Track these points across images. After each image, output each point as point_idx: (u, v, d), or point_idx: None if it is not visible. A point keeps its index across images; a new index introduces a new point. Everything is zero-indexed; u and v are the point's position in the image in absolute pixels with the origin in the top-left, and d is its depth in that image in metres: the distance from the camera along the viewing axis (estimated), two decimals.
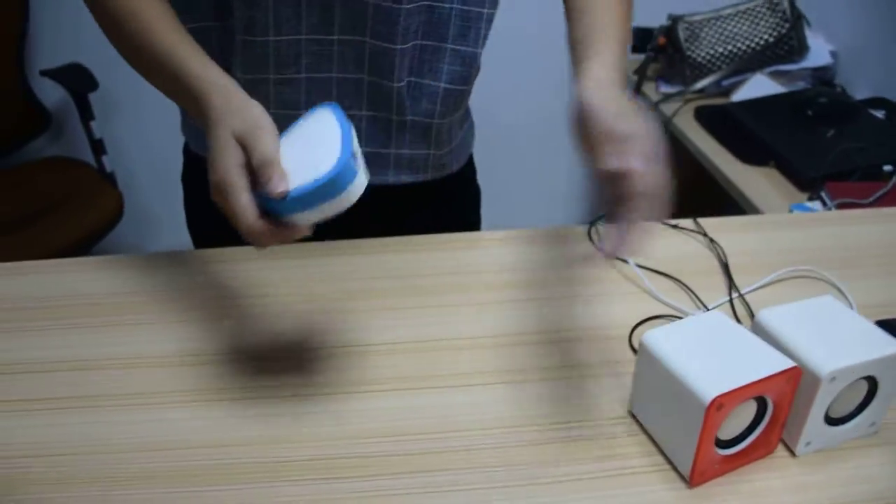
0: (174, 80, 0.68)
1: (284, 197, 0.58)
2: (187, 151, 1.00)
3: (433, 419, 0.68)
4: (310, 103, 0.86)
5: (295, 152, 0.61)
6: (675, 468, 0.64)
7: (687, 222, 1.00)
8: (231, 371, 0.73)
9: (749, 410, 0.62)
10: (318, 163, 0.58)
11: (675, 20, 1.99)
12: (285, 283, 0.85)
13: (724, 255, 0.92)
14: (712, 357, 0.62)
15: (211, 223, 0.99)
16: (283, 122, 0.84)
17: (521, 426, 0.67)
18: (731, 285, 0.87)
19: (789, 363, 0.60)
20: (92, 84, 2.11)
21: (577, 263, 0.91)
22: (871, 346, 0.62)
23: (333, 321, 0.80)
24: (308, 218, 0.59)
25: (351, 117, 0.87)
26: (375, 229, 0.94)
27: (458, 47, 0.85)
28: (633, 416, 0.69)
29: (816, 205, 1.46)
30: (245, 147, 0.61)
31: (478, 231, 1.05)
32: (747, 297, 0.85)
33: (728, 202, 1.63)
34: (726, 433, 0.62)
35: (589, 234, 0.97)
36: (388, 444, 0.65)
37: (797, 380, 0.61)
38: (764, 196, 1.52)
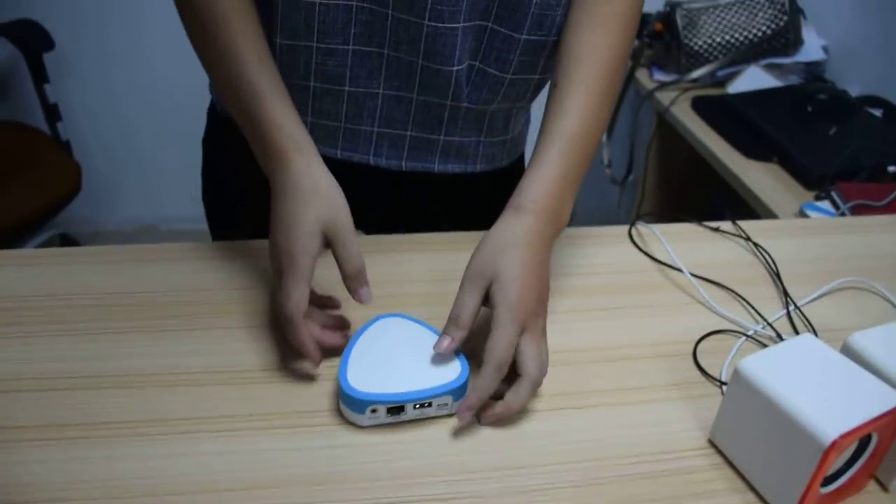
0: (251, 112, 0.66)
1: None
2: (212, 111, 0.91)
3: (485, 453, 0.60)
4: (354, 79, 0.76)
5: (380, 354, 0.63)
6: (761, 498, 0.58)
7: (727, 225, 0.93)
8: (261, 393, 0.64)
9: (852, 448, 0.56)
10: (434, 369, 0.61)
11: (673, 7, 1.93)
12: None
13: (774, 263, 0.86)
14: (820, 390, 0.56)
15: (230, 192, 0.90)
16: (325, 98, 0.75)
17: (593, 460, 0.60)
18: (787, 297, 0.81)
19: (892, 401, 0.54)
20: (47, 43, 1.94)
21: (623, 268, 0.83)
22: None
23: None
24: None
25: (399, 99, 0.78)
26: (414, 220, 0.86)
27: (532, 37, 0.75)
28: (714, 446, 0.62)
29: (826, 204, 1.42)
30: (333, 245, 0.63)
31: None
32: (806, 312, 0.79)
33: (731, 195, 1.58)
34: (831, 469, 0.56)
35: (630, 234, 0.90)
36: (435, 485, 0.57)
37: None
38: (770, 193, 1.48)
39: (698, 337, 0.73)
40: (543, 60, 0.79)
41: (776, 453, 0.56)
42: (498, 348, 0.58)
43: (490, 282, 0.61)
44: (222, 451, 0.57)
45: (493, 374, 0.58)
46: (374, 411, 0.59)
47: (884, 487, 0.60)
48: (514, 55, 0.76)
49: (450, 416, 0.62)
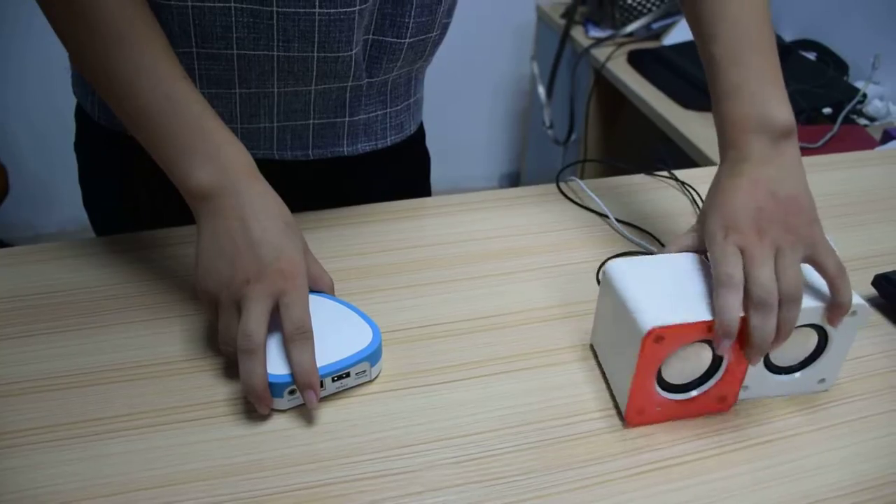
0: (188, 129, 0.58)
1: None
2: (81, 115, 0.83)
3: (413, 426, 0.58)
4: (244, 82, 0.71)
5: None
6: (617, 407, 0.59)
7: (662, 177, 0.92)
8: (185, 384, 0.60)
9: (704, 355, 0.56)
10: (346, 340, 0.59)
11: None
12: None
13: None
14: (670, 293, 0.56)
15: (111, 197, 0.85)
16: (214, 101, 0.70)
17: (525, 424, 0.58)
18: None
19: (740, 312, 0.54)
20: None
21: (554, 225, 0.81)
22: (822, 294, 0.56)
23: None
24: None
25: (296, 94, 0.74)
26: (330, 206, 0.82)
27: None
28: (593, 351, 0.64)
29: None
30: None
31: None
32: None
33: (673, 148, 1.57)
34: (676, 376, 0.56)
35: (559, 187, 0.88)
36: (379, 462, 0.55)
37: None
38: (709, 142, 1.47)
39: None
40: (440, 17, 0.75)
41: (620, 349, 0.57)
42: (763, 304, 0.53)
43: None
44: (138, 449, 0.54)
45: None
46: (292, 392, 0.56)
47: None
48: (410, 18, 0.72)
49: (372, 392, 0.59)
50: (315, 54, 0.69)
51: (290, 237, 0.59)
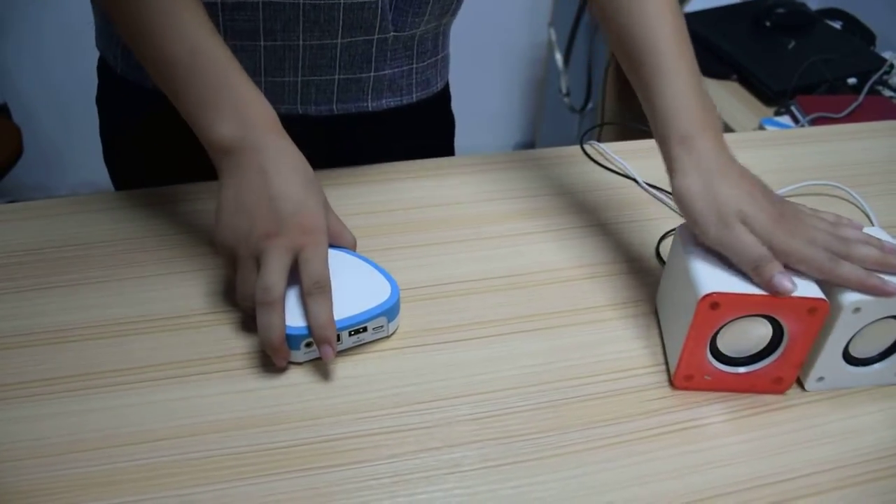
0: (216, 83, 0.58)
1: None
2: (104, 69, 0.82)
3: (432, 383, 0.57)
4: (269, 33, 0.70)
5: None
6: (668, 369, 0.58)
7: None
8: (203, 338, 0.60)
9: (762, 332, 0.54)
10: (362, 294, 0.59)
11: None
12: None
13: None
14: (732, 265, 0.55)
15: (134, 151, 0.84)
16: (239, 54, 0.69)
17: (545, 383, 0.57)
18: None
19: (817, 293, 0.52)
20: None
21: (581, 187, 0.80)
22: None
23: None
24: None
25: (322, 47, 0.72)
26: (352, 162, 0.81)
27: None
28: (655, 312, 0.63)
29: (786, 119, 1.39)
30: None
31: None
32: None
33: None
34: (731, 348, 0.55)
35: (583, 149, 0.86)
36: (404, 416, 0.54)
37: (822, 315, 0.52)
38: (730, 111, 1.45)
39: (658, 252, 0.71)
40: None
41: (678, 312, 0.56)
42: (815, 259, 0.53)
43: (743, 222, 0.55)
44: (157, 401, 0.54)
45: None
46: (308, 345, 0.56)
47: (801, 386, 0.58)
48: None
49: (391, 349, 0.59)
50: (341, 1, 0.68)
51: (312, 192, 0.58)
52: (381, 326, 0.59)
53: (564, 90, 2.08)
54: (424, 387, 0.56)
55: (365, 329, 0.58)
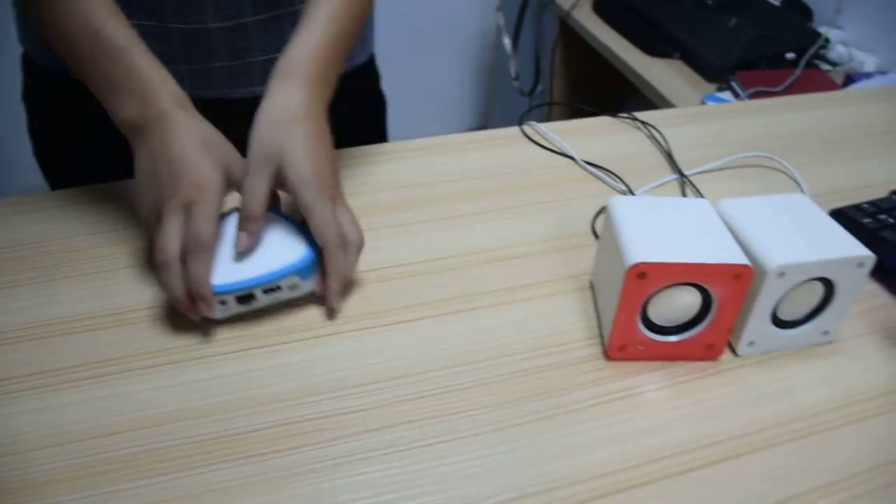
0: (115, 67, 0.59)
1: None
2: (28, 65, 0.81)
3: (369, 365, 0.57)
4: (181, 16, 0.69)
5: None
6: (603, 342, 0.59)
7: (623, 118, 0.91)
8: (145, 332, 0.59)
9: (691, 301, 0.55)
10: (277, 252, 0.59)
11: None
12: None
13: (667, 144, 0.85)
14: (664, 231, 0.56)
15: (62, 143, 0.82)
16: (151, 38, 0.68)
17: (480, 361, 0.58)
18: (679, 171, 0.80)
19: (741, 259, 0.53)
20: None
21: (520, 168, 0.81)
22: (831, 245, 0.56)
23: None
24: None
25: (236, 27, 0.72)
26: None
27: None
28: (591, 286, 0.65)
29: (727, 95, 1.42)
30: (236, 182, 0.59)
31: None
32: (702, 189, 0.78)
33: (637, 96, 1.56)
34: (662, 317, 0.56)
35: (522, 130, 0.87)
36: (343, 399, 0.54)
37: (747, 280, 0.53)
38: (673, 88, 1.47)
39: (593, 228, 0.72)
40: None
41: (610, 284, 0.57)
42: (328, 227, 0.57)
43: (278, 163, 0.58)
44: (100, 397, 0.53)
45: (340, 252, 0.58)
46: (223, 303, 0.57)
47: (733, 351, 0.59)
48: None
49: (329, 333, 0.59)
50: None
51: (208, 153, 0.58)
52: (296, 285, 0.59)
53: (514, 74, 2.09)
54: (363, 370, 0.56)
55: (279, 288, 0.58)
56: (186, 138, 0.57)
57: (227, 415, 0.53)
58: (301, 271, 0.59)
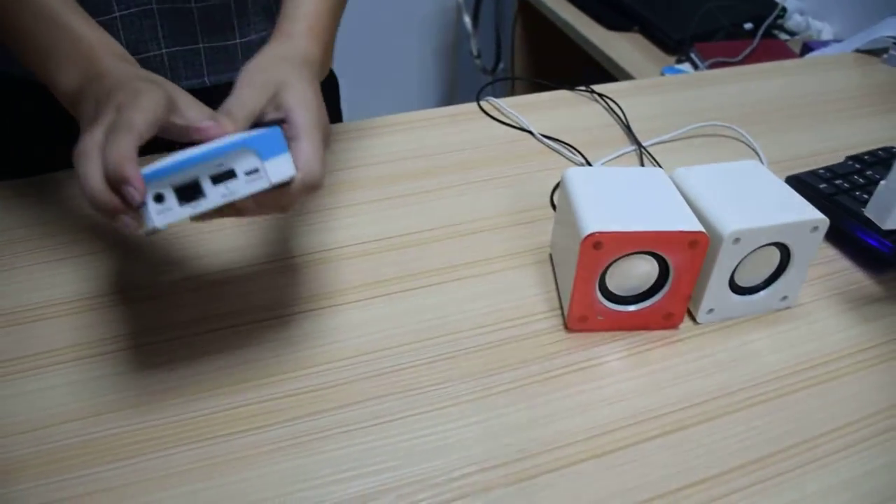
0: (50, 27, 0.52)
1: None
2: None
3: (328, 345, 0.56)
4: (120, 1, 0.66)
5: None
6: (563, 313, 0.59)
7: (580, 91, 0.91)
8: (123, 315, 0.58)
9: (648, 269, 0.55)
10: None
11: None
12: None
13: (625, 117, 0.85)
14: (619, 201, 0.56)
15: (7, 147, 0.79)
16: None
17: (440, 335, 0.57)
18: (636, 140, 0.80)
19: (696, 226, 0.53)
20: None
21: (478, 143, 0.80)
22: (785, 210, 0.56)
23: (224, 238, 0.65)
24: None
25: (176, 12, 0.69)
26: None
27: None
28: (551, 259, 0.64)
29: (686, 66, 1.42)
30: (176, 104, 0.47)
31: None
32: (660, 160, 0.78)
33: (597, 70, 1.56)
34: (620, 287, 0.56)
35: (479, 106, 0.86)
36: (302, 379, 0.53)
37: (703, 247, 0.53)
38: (633, 61, 1.46)
39: (552, 201, 0.71)
40: None
41: (567, 255, 0.57)
42: (314, 164, 0.47)
43: (277, 88, 0.50)
44: (54, 385, 0.52)
45: (307, 193, 0.48)
46: (160, 199, 0.42)
47: (693, 319, 0.59)
48: None
49: (282, 315, 0.58)
50: None
51: (150, 80, 0.49)
52: (256, 170, 0.45)
53: (475, 52, 2.07)
54: (318, 349, 0.55)
55: (232, 173, 0.44)
56: (126, 77, 0.49)
57: (175, 400, 0.51)
58: (260, 146, 0.45)
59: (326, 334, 0.57)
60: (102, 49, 0.52)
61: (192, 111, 0.47)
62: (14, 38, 0.55)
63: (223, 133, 0.46)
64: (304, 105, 0.49)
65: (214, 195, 0.44)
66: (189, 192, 0.43)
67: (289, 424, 0.50)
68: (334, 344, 0.56)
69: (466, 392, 0.52)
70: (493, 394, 0.52)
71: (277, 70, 0.51)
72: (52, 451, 0.48)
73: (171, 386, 0.52)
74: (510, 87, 2.00)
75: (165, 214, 0.42)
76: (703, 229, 0.53)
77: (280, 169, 0.46)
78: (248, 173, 0.44)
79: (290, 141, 0.47)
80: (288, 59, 0.53)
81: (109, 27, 0.68)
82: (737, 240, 0.54)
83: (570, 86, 0.91)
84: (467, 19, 2.12)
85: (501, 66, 2.05)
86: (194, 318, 0.57)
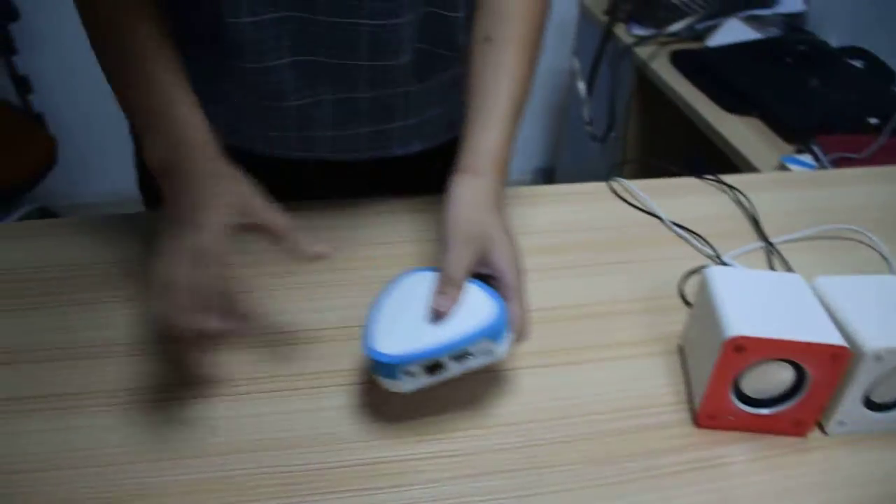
0: (158, 111, 0.60)
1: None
2: None
3: (466, 413, 0.59)
4: (296, 91, 0.72)
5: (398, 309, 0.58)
6: (692, 407, 0.60)
7: (708, 180, 0.92)
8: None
9: (784, 376, 0.56)
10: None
11: None
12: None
13: (754, 208, 0.86)
14: (763, 307, 0.57)
15: None
16: (269, 112, 0.72)
17: (568, 417, 0.59)
18: (765, 239, 0.81)
19: (838, 340, 0.54)
20: (11, 14, 1.89)
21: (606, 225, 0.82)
22: None
23: (331, 296, 0.70)
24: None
25: (348, 101, 0.74)
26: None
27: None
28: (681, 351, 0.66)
29: (806, 157, 1.41)
30: (254, 216, 0.57)
31: None
32: (788, 259, 0.78)
33: (712, 151, 1.57)
34: (754, 390, 0.57)
35: (610, 186, 0.89)
36: (422, 443, 0.57)
37: (844, 361, 0.54)
38: (750, 147, 1.47)
39: (681, 291, 0.73)
40: None
41: (704, 352, 0.58)
42: (524, 318, 0.56)
43: (484, 245, 0.57)
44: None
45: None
46: (410, 374, 0.54)
47: (822, 430, 0.60)
48: (460, 34, 0.72)
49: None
50: (364, 62, 0.70)
51: (215, 203, 0.56)
52: (489, 351, 0.54)
53: (587, 118, 2.11)
54: (461, 416, 0.59)
55: (470, 354, 0.54)
56: (201, 179, 0.57)
57: (319, 448, 0.55)
58: (494, 334, 0.54)
59: (457, 404, 0.60)
60: (192, 139, 0.59)
61: (268, 213, 0.57)
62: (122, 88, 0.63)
63: (453, 303, 0.55)
64: (512, 265, 0.57)
65: (454, 369, 0.55)
66: (434, 368, 0.54)
67: (427, 486, 0.53)
68: (473, 413, 0.59)
69: (595, 476, 0.54)
70: (620, 482, 0.54)
71: (480, 222, 0.58)
72: (195, 482, 0.52)
73: (316, 433, 0.56)
74: (622, 161, 2.02)
75: (413, 383, 0.54)
76: (846, 343, 0.53)
77: (504, 345, 0.55)
78: (483, 352, 0.54)
79: (504, 295, 0.56)
80: (483, 206, 0.60)
81: (285, 112, 0.74)
82: (879, 357, 0.54)
83: (683, 165, 0.93)
84: (581, 85, 2.16)
85: (612, 134, 2.07)
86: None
